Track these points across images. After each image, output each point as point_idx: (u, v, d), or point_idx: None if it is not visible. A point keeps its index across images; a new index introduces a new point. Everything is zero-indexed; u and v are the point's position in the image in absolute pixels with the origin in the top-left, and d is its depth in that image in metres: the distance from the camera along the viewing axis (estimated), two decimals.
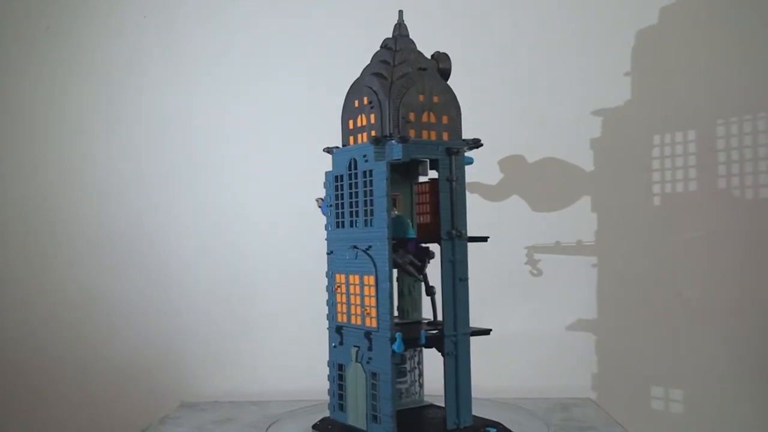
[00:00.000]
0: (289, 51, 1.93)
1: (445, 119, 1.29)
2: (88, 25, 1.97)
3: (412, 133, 1.26)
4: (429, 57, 1.33)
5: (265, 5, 1.95)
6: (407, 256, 1.32)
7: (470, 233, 1.30)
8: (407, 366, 1.45)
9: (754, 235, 1.84)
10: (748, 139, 1.84)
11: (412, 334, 1.27)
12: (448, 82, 1.32)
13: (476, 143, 1.31)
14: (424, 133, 1.28)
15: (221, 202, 1.94)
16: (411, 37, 1.34)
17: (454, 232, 1.26)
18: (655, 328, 1.87)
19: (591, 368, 1.87)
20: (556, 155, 1.88)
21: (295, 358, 1.86)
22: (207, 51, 1.95)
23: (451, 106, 1.30)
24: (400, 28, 1.34)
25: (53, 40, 1.96)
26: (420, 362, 1.47)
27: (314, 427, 1.39)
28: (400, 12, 1.35)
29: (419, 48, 1.33)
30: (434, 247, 1.33)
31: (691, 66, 1.88)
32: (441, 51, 1.33)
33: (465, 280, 1.28)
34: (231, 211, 1.94)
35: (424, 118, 1.28)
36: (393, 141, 1.23)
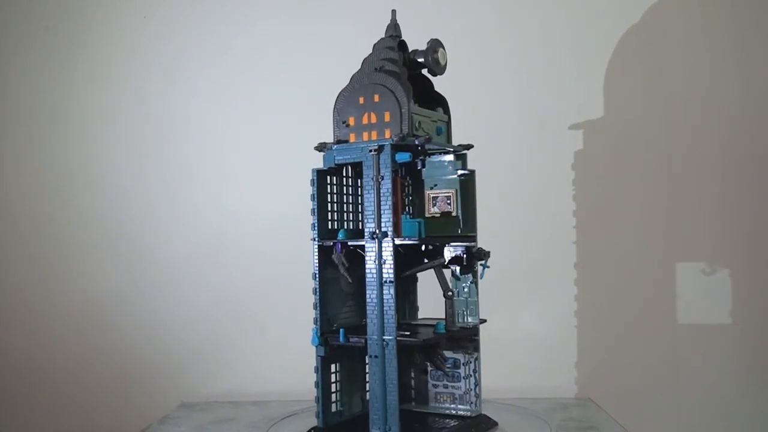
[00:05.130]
0: (290, 51, 1.93)
1: (386, 117, 1.28)
2: (88, 25, 1.96)
3: (352, 138, 1.30)
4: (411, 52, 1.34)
5: (265, 5, 1.95)
6: (340, 257, 1.33)
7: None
8: (461, 372, 1.42)
9: (754, 236, 1.84)
10: (749, 139, 1.84)
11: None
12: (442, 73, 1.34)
13: (404, 138, 1.25)
14: (365, 135, 1.30)
15: (221, 203, 1.94)
16: (411, 37, 1.34)
17: (378, 232, 1.24)
18: (655, 328, 1.87)
19: (591, 368, 1.87)
20: (557, 155, 1.88)
21: (295, 358, 1.86)
22: (207, 51, 1.94)
23: (393, 102, 1.28)
24: (390, 28, 1.35)
25: (52, 40, 1.96)
26: (476, 370, 1.41)
27: None
28: (393, 12, 1.35)
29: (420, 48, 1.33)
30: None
31: (692, 66, 1.87)
32: (435, 39, 1.33)
33: (391, 282, 1.25)
34: (232, 212, 1.94)
35: (365, 120, 1.29)
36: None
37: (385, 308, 1.24)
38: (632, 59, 1.87)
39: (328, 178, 1.37)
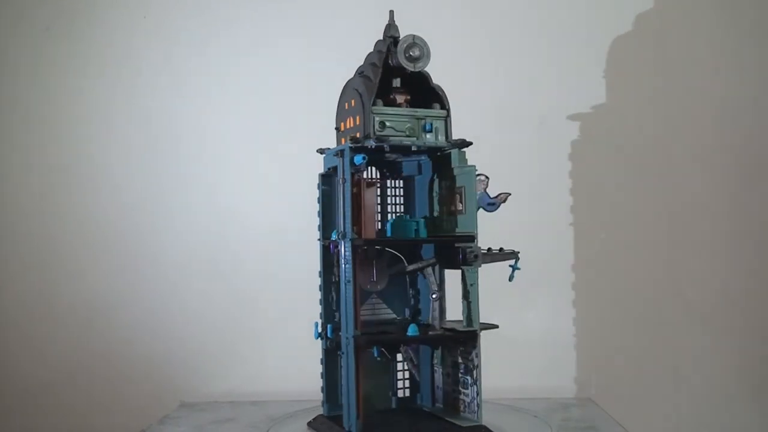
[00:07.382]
0: (291, 50, 1.92)
1: (357, 120, 1.31)
2: (88, 25, 1.96)
3: (343, 142, 1.35)
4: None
5: (264, 6, 1.95)
6: (332, 256, 1.37)
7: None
8: (469, 378, 1.37)
9: (756, 236, 1.84)
10: (751, 137, 1.84)
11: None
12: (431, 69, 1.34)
13: (358, 141, 1.26)
14: (348, 139, 1.33)
15: (221, 203, 1.94)
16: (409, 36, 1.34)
17: (341, 232, 1.27)
18: (656, 328, 1.87)
19: (591, 368, 1.87)
20: (556, 154, 1.87)
21: (295, 358, 1.86)
22: (207, 50, 1.94)
23: (361, 105, 1.29)
24: (387, 29, 1.35)
25: (53, 40, 1.96)
26: (477, 379, 1.35)
27: None
28: (391, 12, 1.35)
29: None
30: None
31: (692, 64, 1.87)
32: (409, 35, 1.32)
33: (349, 281, 1.26)
34: (232, 212, 1.93)
35: (348, 124, 1.34)
36: None
37: (347, 306, 1.27)
38: (633, 57, 1.87)
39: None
